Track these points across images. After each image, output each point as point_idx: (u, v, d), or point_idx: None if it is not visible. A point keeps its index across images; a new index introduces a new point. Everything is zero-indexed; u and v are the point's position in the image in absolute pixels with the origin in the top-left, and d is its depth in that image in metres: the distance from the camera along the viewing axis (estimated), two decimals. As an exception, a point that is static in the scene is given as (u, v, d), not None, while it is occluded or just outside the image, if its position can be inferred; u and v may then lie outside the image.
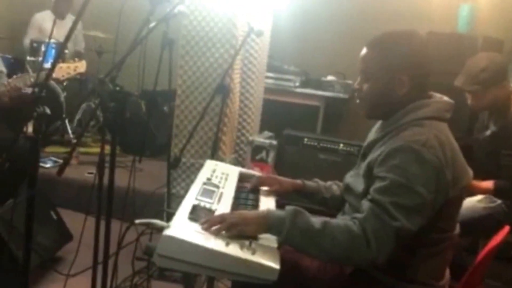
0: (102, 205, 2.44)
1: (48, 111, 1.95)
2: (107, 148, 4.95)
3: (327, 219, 1.67)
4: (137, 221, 1.69)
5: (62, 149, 4.74)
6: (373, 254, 1.58)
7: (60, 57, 2.23)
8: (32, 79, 3.65)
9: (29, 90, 3.61)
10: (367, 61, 1.84)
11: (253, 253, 1.55)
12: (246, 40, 3.12)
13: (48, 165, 4.43)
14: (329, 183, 2.23)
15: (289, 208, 1.69)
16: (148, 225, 1.65)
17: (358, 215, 1.65)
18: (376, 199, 1.64)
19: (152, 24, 2.66)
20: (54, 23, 2.90)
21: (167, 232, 1.54)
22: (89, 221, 3.55)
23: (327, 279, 1.89)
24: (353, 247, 1.59)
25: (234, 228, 1.62)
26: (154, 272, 3.09)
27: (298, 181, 2.22)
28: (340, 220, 1.72)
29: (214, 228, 1.61)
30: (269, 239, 1.68)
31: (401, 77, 1.79)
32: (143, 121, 4.99)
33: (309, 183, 2.22)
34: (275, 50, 4.13)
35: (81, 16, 2.02)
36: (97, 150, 4.87)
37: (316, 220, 1.65)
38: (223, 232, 1.61)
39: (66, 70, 3.44)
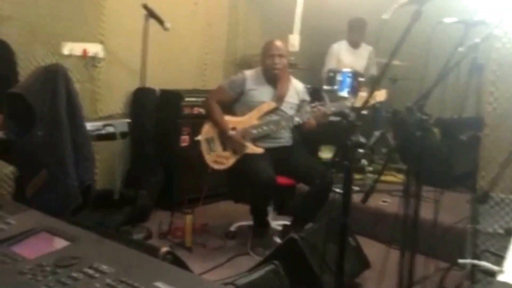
0: (405, 236, 2.38)
1: (362, 140, 1.97)
2: (400, 177, 4.86)
3: None
4: (460, 260, 1.56)
5: (355, 176, 4.83)
6: None
7: (374, 87, 2.25)
8: (333, 109, 3.81)
9: (334, 119, 3.82)
10: None
11: None
12: None
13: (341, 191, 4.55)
14: None
15: None
16: (474, 266, 1.51)
17: None
18: None
19: (461, 49, 2.50)
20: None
21: (502, 278, 1.38)
22: (383, 249, 3.53)
23: None
24: None
25: None
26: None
27: None
28: None
29: None
30: None
31: None
32: (439, 150, 4.78)
33: None
34: None
35: (396, 54, 1.99)
36: (389, 178, 4.84)
37: None
38: None
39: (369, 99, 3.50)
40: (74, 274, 1.15)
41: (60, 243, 1.34)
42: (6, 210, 1.54)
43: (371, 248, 3.55)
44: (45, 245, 1.34)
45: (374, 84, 2.22)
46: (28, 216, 1.52)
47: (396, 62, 5.17)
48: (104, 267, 1.18)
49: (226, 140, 3.74)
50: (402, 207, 2.35)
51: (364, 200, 2.39)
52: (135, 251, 1.34)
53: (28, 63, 3.84)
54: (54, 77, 2.81)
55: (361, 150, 2.76)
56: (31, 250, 1.30)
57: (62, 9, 4.00)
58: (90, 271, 1.16)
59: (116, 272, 1.16)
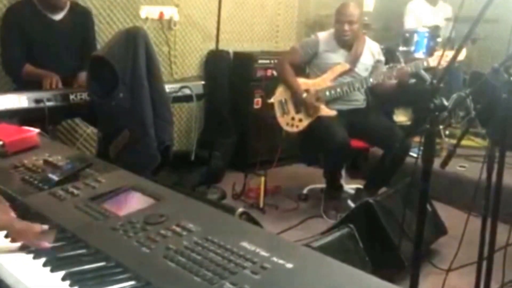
0: (487, 203, 2.31)
1: (445, 102, 1.90)
2: (478, 142, 4.69)
3: None
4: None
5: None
6: None
7: (460, 46, 2.15)
8: (409, 69, 3.71)
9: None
10: None
11: None
12: None
13: (415, 155, 4.44)
14: None
15: None
16: None
17: None
18: None
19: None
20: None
21: None
22: (459, 215, 3.45)
23: None
24: None
25: None
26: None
27: None
28: None
29: None
30: None
31: None
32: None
33: None
34: None
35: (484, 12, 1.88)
36: (467, 142, 4.67)
37: None
38: None
39: (444, 58, 3.37)
40: (163, 232, 1.19)
41: (147, 201, 1.39)
42: (95, 169, 1.62)
43: (447, 214, 3.47)
44: (133, 203, 1.39)
45: (459, 45, 2.10)
46: (116, 175, 1.59)
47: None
48: (190, 225, 1.22)
49: (299, 102, 3.73)
50: (484, 172, 2.26)
51: (444, 164, 2.33)
52: (216, 210, 1.37)
53: (107, 26, 3.96)
54: (135, 40, 2.88)
55: (444, 114, 2.64)
56: (121, 207, 1.36)
57: (140, -27, 4.08)
58: (178, 229, 1.20)
59: (202, 230, 1.20)
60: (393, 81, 3.70)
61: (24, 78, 3.30)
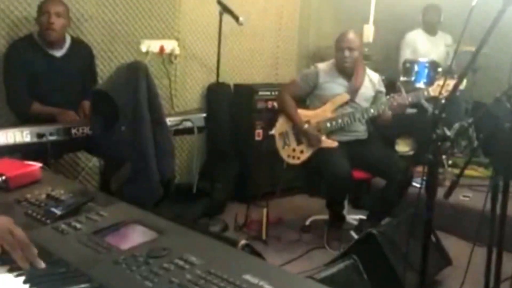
0: (492, 233, 2.29)
1: (448, 132, 1.90)
2: (482, 171, 4.66)
3: None
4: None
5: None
6: None
7: (461, 77, 2.16)
8: (410, 99, 3.71)
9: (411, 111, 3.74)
10: None
11: None
12: None
13: (418, 185, 4.42)
14: None
15: None
16: None
17: None
18: None
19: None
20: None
21: None
22: (463, 245, 3.42)
23: None
24: None
25: None
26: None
27: None
28: None
29: None
30: None
31: None
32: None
33: None
34: None
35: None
36: (470, 172, 4.65)
37: None
38: None
39: (446, 88, 3.38)
40: (166, 265, 1.18)
41: (149, 235, 1.38)
42: (97, 203, 1.61)
43: (452, 244, 3.44)
44: (136, 236, 1.39)
45: (460, 75, 2.12)
46: (118, 208, 1.58)
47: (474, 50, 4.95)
48: (193, 259, 1.21)
49: (300, 134, 3.73)
50: (488, 202, 2.26)
51: (448, 194, 2.32)
52: (219, 243, 1.36)
53: (109, 60, 4.00)
54: (136, 74, 2.91)
55: (447, 143, 2.61)
56: (124, 241, 1.35)
57: (140, 7, 4.14)
58: (181, 263, 1.20)
59: (205, 263, 1.19)
60: (389, 113, 3.70)
61: (32, 115, 3.31)
